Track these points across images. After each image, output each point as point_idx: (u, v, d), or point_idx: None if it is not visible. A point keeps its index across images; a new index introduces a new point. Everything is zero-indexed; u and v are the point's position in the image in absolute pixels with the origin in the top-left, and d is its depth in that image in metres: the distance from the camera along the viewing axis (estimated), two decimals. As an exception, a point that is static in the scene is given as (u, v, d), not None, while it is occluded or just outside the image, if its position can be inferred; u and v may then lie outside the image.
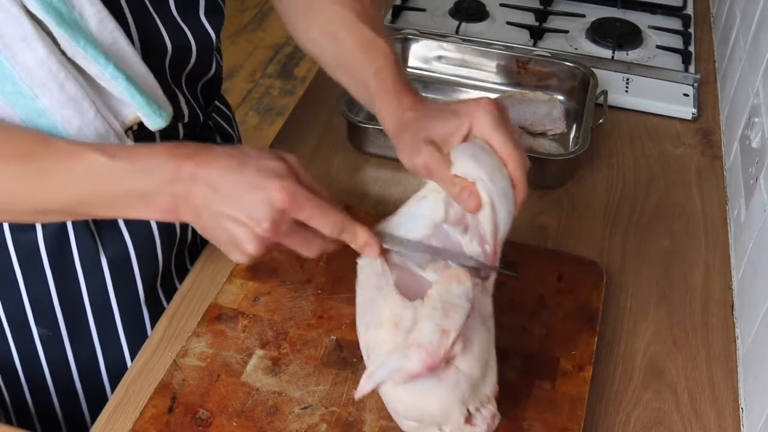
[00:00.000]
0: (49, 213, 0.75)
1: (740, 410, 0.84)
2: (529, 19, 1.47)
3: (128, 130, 0.79)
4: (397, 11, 1.46)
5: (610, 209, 1.09)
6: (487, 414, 0.69)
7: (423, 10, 1.47)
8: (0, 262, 0.87)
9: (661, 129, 1.24)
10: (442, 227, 0.76)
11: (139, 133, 0.80)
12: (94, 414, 0.81)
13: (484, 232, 0.74)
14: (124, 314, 0.92)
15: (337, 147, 1.16)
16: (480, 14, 1.46)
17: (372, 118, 1.21)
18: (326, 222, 0.69)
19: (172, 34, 0.83)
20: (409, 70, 1.31)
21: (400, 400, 0.69)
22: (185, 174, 0.68)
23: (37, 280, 0.88)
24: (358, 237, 0.72)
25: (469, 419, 0.68)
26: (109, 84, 0.74)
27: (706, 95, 1.31)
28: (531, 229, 1.04)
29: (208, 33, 0.86)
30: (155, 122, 0.77)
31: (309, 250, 0.71)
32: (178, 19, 0.83)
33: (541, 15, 1.47)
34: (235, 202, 0.67)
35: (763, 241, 0.88)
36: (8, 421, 0.98)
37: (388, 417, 0.76)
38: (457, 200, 0.74)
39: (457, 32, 1.41)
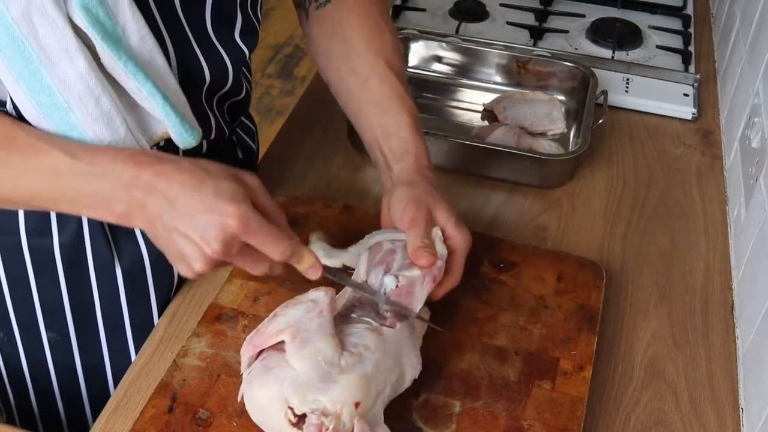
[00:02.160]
0: (5, 202, 0.76)
1: (740, 410, 0.84)
2: (529, 19, 1.47)
3: (154, 146, 0.80)
4: (397, 11, 1.46)
5: (610, 209, 1.09)
6: (313, 421, 0.68)
7: (423, 10, 1.47)
8: (14, 265, 0.87)
9: (661, 129, 1.24)
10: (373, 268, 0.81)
11: (164, 150, 0.80)
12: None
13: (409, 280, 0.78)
14: (135, 323, 0.92)
15: (337, 147, 1.16)
16: (480, 14, 1.46)
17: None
18: (276, 248, 0.70)
19: (207, 56, 0.83)
20: (409, 70, 1.31)
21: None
22: (142, 182, 0.69)
23: (50, 285, 0.88)
24: (304, 261, 0.74)
25: (299, 424, 0.69)
26: (145, 101, 0.75)
27: (706, 95, 1.31)
28: (531, 229, 1.04)
29: (243, 53, 0.86)
30: (186, 141, 0.78)
31: (256, 270, 0.73)
32: (213, 39, 0.83)
33: (541, 15, 1.47)
34: (189, 220, 0.68)
35: (763, 241, 0.88)
36: (11, 422, 0.98)
37: (388, 417, 0.76)
38: (414, 255, 0.79)
39: (457, 32, 1.41)
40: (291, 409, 0.69)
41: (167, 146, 0.80)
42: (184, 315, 0.90)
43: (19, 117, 0.75)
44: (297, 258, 0.73)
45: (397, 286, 0.78)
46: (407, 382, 0.76)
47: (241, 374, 0.75)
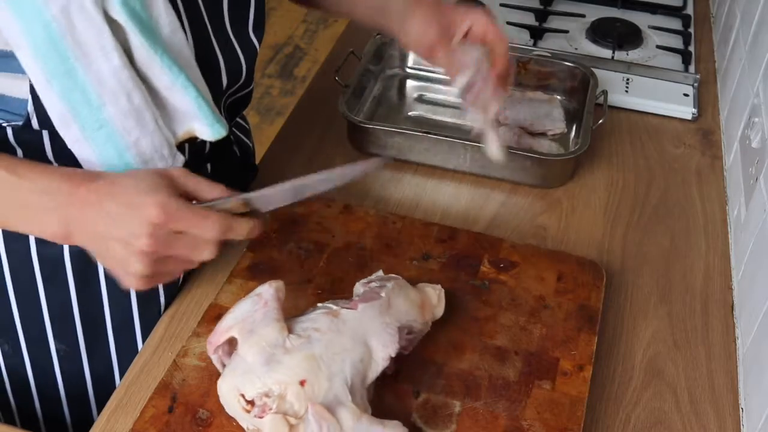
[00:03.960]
0: None
1: (740, 410, 0.84)
2: (529, 19, 1.47)
3: (178, 146, 0.81)
4: (397, 11, 1.45)
5: (610, 209, 1.09)
6: (257, 403, 0.71)
7: (423, 10, 1.47)
8: (23, 275, 0.87)
9: (661, 129, 1.24)
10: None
11: (179, 148, 0.81)
12: None
13: None
14: (145, 331, 0.91)
15: (337, 147, 1.16)
16: (480, 14, 1.46)
17: (372, 117, 1.22)
18: (206, 227, 0.70)
19: (224, 52, 0.83)
20: (408, 70, 1.31)
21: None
22: (78, 198, 0.70)
23: (60, 295, 0.87)
24: (243, 228, 0.73)
25: (252, 410, 0.71)
26: (178, 94, 0.75)
27: (706, 95, 1.31)
28: (531, 229, 1.04)
29: (255, 48, 0.87)
30: (217, 131, 0.79)
31: (199, 255, 0.72)
32: (230, 33, 0.84)
33: (541, 15, 1.47)
34: (115, 222, 0.69)
35: (763, 241, 0.88)
36: (12, 423, 0.98)
37: (388, 417, 0.76)
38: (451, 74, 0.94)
39: (457, 32, 1.40)
40: (242, 396, 0.71)
41: (181, 146, 0.81)
42: (184, 315, 0.90)
43: (41, 119, 0.75)
44: (234, 231, 0.72)
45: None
46: (380, 361, 0.76)
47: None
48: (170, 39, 0.74)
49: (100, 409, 0.92)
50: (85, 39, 0.69)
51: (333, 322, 0.76)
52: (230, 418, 0.76)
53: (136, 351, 0.90)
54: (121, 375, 0.93)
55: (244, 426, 0.73)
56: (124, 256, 0.69)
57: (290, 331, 0.74)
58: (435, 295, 0.84)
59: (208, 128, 0.78)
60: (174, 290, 0.92)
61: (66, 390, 0.94)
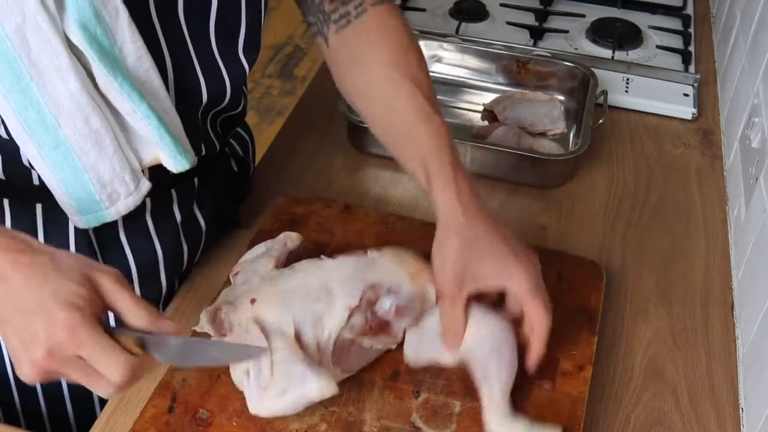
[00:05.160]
0: None
1: (740, 410, 0.84)
2: (529, 19, 1.47)
3: (145, 170, 0.79)
4: (397, 11, 1.45)
5: (610, 209, 1.09)
6: (216, 316, 0.80)
7: (423, 10, 1.47)
8: None
9: (661, 129, 1.24)
10: None
11: (152, 171, 0.79)
12: None
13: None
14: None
15: (337, 147, 1.16)
16: (480, 14, 1.46)
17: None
18: (109, 366, 0.62)
19: (207, 75, 0.81)
20: (409, 70, 1.31)
21: None
22: None
23: None
24: (145, 371, 0.65)
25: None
26: (139, 122, 0.74)
27: (706, 95, 1.31)
28: (531, 229, 1.04)
29: (244, 70, 0.84)
30: (180, 164, 0.77)
31: (94, 387, 0.64)
32: (217, 56, 0.82)
33: (541, 15, 1.47)
34: (21, 319, 0.62)
35: (763, 241, 0.88)
36: (16, 423, 0.98)
37: (388, 417, 0.76)
38: (443, 336, 0.79)
39: (457, 32, 1.41)
40: (207, 311, 0.80)
41: (155, 169, 0.79)
42: (184, 315, 0.90)
43: (6, 132, 0.74)
44: (137, 376, 0.64)
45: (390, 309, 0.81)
46: (338, 311, 0.78)
47: None
48: (135, 67, 0.73)
49: (104, 408, 0.92)
50: (40, 60, 0.68)
51: (312, 266, 0.82)
52: (230, 418, 0.76)
53: None
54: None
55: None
56: (17, 353, 0.63)
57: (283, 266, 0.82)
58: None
59: (171, 159, 0.77)
60: (153, 297, 0.91)
61: (69, 389, 0.94)
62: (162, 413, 0.77)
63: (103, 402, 0.95)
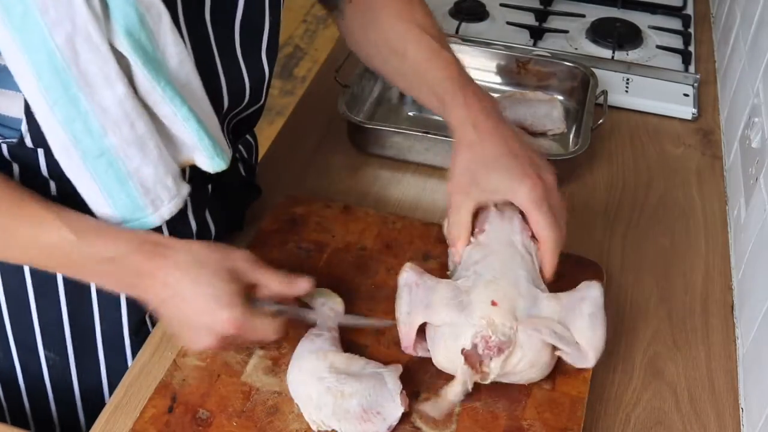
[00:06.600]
0: (16, 262, 0.81)
1: (740, 410, 0.84)
2: (529, 19, 1.47)
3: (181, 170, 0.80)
4: (397, 11, 1.45)
5: (610, 209, 1.09)
6: (479, 344, 0.76)
7: (423, 10, 1.47)
8: (14, 285, 0.86)
9: (661, 129, 1.24)
10: None
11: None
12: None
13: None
14: (135, 346, 0.90)
15: (337, 147, 1.16)
16: (480, 14, 1.46)
17: (372, 117, 1.22)
18: (268, 335, 0.76)
19: (229, 79, 0.83)
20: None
21: None
22: (145, 273, 0.74)
23: (50, 305, 0.87)
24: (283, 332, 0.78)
25: None
26: (179, 125, 0.75)
27: (706, 95, 1.31)
28: (531, 229, 1.04)
29: (263, 72, 0.86)
30: (217, 164, 0.79)
31: (255, 343, 0.81)
32: (240, 59, 0.83)
33: (541, 15, 1.47)
34: (190, 318, 0.75)
35: (763, 241, 0.88)
36: (1, 419, 0.98)
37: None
38: (448, 234, 0.88)
39: (457, 32, 1.41)
40: (462, 350, 0.76)
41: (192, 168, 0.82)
42: (184, 315, 0.90)
43: (35, 139, 0.75)
44: (284, 331, 0.78)
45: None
46: (532, 244, 0.84)
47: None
48: (177, 71, 0.73)
49: (87, 415, 0.92)
50: (90, 68, 0.69)
51: (479, 252, 0.82)
52: (230, 418, 0.76)
53: (125, 365, 0.90)
54: (110, 385, 0.92)
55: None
56: (189, 341, 0.77)
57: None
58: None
59: (208, 160, 0.78)
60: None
61: (54, 395, 0.94)
62: (162, 413, 0.77)
63: (86, 411, 0.95)
